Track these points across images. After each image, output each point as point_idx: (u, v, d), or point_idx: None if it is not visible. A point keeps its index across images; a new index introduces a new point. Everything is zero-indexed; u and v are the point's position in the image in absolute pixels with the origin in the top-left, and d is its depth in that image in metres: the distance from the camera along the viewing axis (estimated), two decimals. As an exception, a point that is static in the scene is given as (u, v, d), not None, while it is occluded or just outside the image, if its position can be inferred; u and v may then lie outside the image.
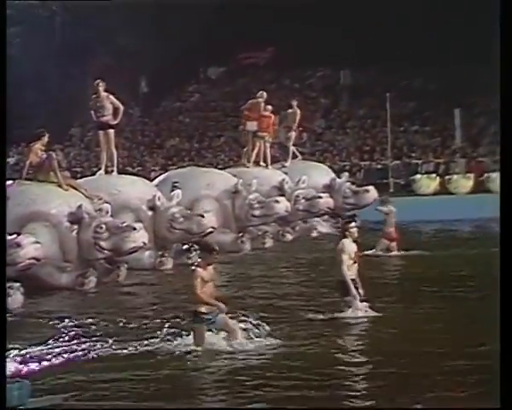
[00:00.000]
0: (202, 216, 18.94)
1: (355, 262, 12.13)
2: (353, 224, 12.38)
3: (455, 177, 30.86)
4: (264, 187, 23.01)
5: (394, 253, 19.58)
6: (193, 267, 11.05)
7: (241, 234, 21.44)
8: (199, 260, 11.44)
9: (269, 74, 42.36)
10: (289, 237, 23.31)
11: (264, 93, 24.87)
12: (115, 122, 20.03)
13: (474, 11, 34.41)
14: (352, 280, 12.02)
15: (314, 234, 24.30)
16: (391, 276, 17.20)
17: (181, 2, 37.78)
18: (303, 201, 23.80)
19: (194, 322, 10.84)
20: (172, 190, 19.87)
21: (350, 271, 12.08)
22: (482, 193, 28.91)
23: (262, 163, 24.48)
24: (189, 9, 38.28)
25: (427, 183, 30.89)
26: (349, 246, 12.12)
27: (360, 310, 12.05)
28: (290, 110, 26.12)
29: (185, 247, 19.29)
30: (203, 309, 10.71)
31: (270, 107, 24.58)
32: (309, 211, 23.91)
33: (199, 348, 10.61)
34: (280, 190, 23.42)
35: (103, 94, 19.80)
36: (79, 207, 16.42)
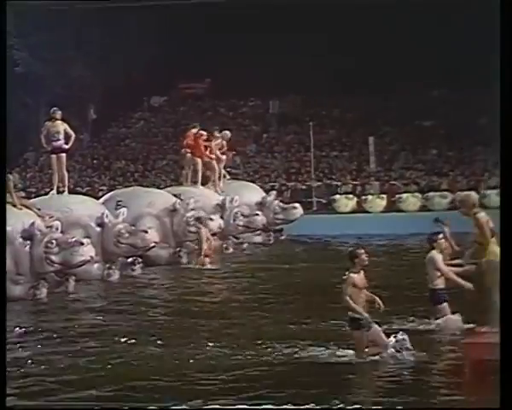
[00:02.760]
0: (146, 232, 18.95)
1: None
2: (441, 236, 11.89)
3: (370, 197, 31.12)
4: (206, 205, 22.91)
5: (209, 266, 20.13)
6: (346, 274, 10.21)
7: (178, 249, 21.29)
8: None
9: (206, 103, 42.39)
10: (231, 249, 23.25)
11: (197, 125, 24.95)
12: (67, 147, 19.89)
13: (383, 48, 35.05)
14: (441, 289, 11.58)
15: (245, 246, 24.15)
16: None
17: (126, 38, 37.79)
18: (242, 217, 23.88)
19: (352, 328, 10.15)
20: (117, 208, 19.77)
21: (439, 280, 11.58)
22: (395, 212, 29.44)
23: (199, 185, 24.44)
24: (134, 45, 38.33)
25: (346, 202, 31.08)
26: (437, 257, 11.66)
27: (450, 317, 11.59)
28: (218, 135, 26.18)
29: (130, 260, 19.20)
30: (357, 315, 10.06)
31: (204, 134, 24.51)
32: (248, 226, 24.05)
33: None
34: (221, 207, 23.37)
35: (58, 121, 19.70)
36: (32, 224, 16.24)
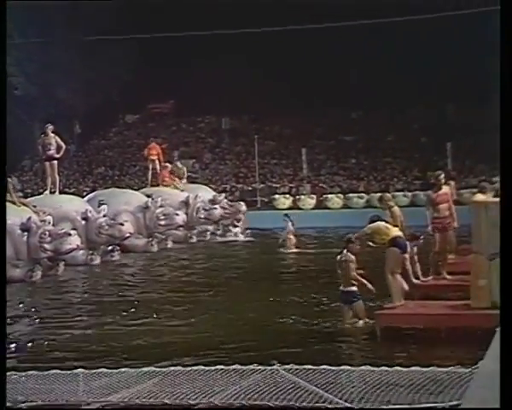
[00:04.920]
0: (122, 224, 18.86)
1: None
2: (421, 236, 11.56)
3: (302, 197, 31.28)
4: (174, 202, 22.80)
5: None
6: (344, 255, 10.04)
7: (150, 238, 21.21)
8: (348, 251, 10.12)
9: (171, 120, 42.13)
10: (194, 239, 23.07)
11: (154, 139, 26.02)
12: (58, 156, 19.67)
13: (314, 78, 35.27)
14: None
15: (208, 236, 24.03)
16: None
17: (105, 67, 37.49)
18: (203, 211, 23.65)
19: (352, 301, 9.95)
20: (99, 206, 19.61)
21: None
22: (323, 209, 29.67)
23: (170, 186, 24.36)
24: (111, 73, 38.04)
25: (283, 201, 31.19)
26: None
27: None
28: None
29: (109, 248, 19.10)
30: (355, 288, 9.95)
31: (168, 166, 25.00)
32: (207, 218, 23.77)
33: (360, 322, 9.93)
34: (186, 204, 23.23)
35: (51, 134, 19.49)
36: (29, 218, 16.14)
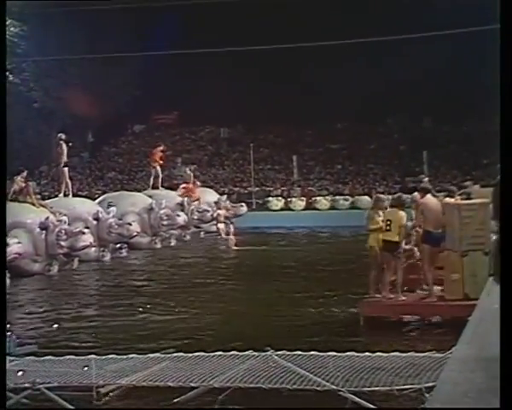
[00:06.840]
0: (130, 224, 18.87)
1: None
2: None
3: (293, 199, 31.27)
4: (172, 204, 22.76)
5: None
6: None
7: (154, 237, 21.18)
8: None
9: (174, 130, 42.07)
10: (188, 237, 23.03)
11: (159, 144, 25.60)
12: (64, 162, 19.61)
13: (302, 92, 35.26)
14: None
15: (202, 234, 24.05)
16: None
17: (115, 82, 37.44)
18: (197, 213, 23.66)
19: None
20: (108, 207, 19.56)
21: None
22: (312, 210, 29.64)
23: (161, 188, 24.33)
24: (120, 87, 38.00)
25: (276, 203, 31.22)
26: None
27: None
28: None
29: (118, 245, 19.07)
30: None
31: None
32: (201, 220, 23.78)
33: None
34: (181, 205, 23.16)
35: (63, 143, 19.49)
36: (47, 218, 16.20)
